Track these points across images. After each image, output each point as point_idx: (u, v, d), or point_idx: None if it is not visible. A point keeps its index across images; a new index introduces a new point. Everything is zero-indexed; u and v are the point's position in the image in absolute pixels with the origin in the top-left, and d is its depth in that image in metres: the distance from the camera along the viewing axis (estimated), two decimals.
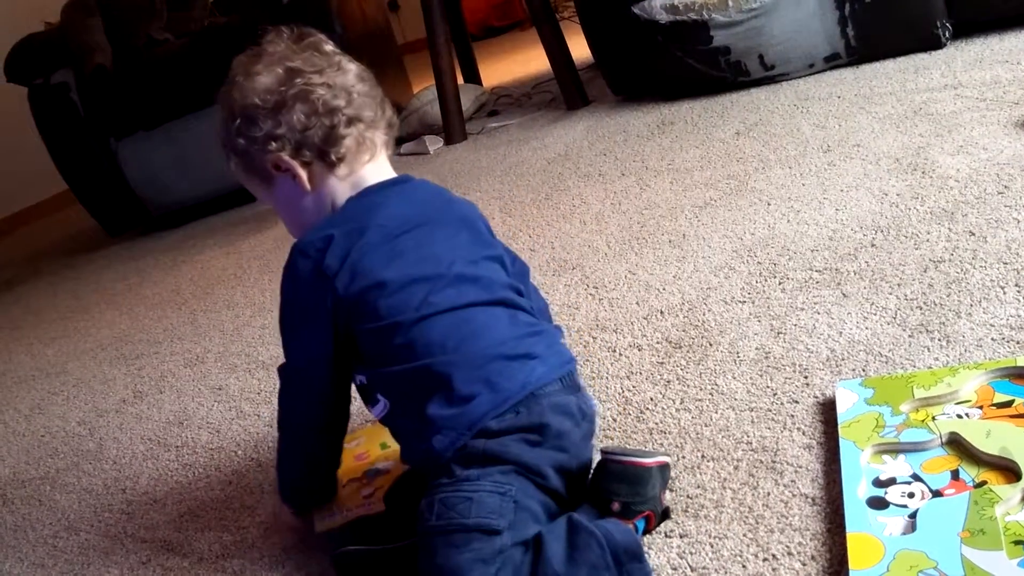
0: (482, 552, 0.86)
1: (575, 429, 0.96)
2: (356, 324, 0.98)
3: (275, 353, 1.75)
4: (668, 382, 1.20)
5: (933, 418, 0.92)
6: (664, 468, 0.96)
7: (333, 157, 1.03)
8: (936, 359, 1.05)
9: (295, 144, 1.02)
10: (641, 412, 1.15)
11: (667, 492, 0.97)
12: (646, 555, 0.91)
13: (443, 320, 0.96)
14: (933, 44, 2.07)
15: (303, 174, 1.03)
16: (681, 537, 0.92)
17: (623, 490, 0.93)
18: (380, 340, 0.97)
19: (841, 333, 1.16)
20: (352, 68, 1.06)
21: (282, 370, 1.05)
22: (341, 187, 1.04)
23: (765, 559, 0.85)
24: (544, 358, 0.97)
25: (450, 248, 1.02)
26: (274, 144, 1.01)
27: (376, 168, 1.06)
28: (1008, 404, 0.91)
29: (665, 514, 0.94)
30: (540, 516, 0.91)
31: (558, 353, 1.00)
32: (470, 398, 0.93)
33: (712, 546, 0.89)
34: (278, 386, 1.07)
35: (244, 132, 1.02)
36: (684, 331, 1.31)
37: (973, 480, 0.84)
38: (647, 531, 0.93)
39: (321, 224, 1.02)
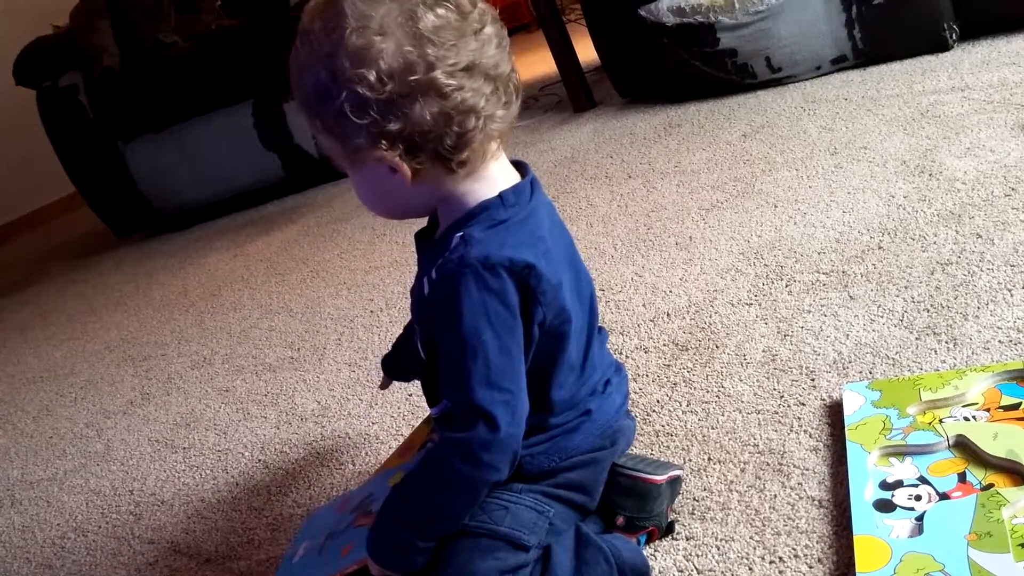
0: (506, 563, 0.85)
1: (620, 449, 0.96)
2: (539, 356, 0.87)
3: (281, 355, 1.76)
4: (675, 384, 1.19)
5: (940, 420, 0.92)
6: (675, 482, 0.95)
7: (454, 164, 0.82)
8: (943, 361, 1.04)
9: (408, 145, 0.79)
10: (648, 414, 1.15)
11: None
12: (651, 560, 0.91)
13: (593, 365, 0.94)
14: (940, 46, 2.07)
15: (408, 173, 0.81)
16: (687, 539, 0.92)
17: (629, 504, 0.93)
18: (545, 376, 0.89)
19: (848, 335, 1.16)
20: (491, 31, 0.81)
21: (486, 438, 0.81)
22: (454, 183, 0.84)
23: (771, 562, 0.85)
24: (617, 385, 0.97)
25: (585, 282, 0.94)
26: (383, 143, 0.79)
27: (501, 161, 0.88)
28: (1015, 407, 0.91)
29: (669, 528, 0.94)
30: (570, 536, 0.90)
31: (623, 378, 1.00)
32: (572, 429, 0.91)
33: (718, 548, 0.89)
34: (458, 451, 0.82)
35: (348, 115, 0.77)
36: (691, 333, 1.30)
37: (980, 483, 0.84)
38: (648, 542, 0.94)
39: (505, 234, 0.83)
